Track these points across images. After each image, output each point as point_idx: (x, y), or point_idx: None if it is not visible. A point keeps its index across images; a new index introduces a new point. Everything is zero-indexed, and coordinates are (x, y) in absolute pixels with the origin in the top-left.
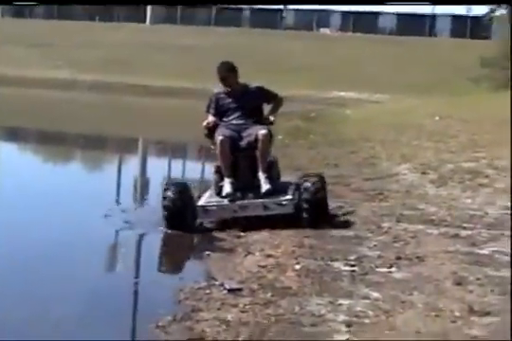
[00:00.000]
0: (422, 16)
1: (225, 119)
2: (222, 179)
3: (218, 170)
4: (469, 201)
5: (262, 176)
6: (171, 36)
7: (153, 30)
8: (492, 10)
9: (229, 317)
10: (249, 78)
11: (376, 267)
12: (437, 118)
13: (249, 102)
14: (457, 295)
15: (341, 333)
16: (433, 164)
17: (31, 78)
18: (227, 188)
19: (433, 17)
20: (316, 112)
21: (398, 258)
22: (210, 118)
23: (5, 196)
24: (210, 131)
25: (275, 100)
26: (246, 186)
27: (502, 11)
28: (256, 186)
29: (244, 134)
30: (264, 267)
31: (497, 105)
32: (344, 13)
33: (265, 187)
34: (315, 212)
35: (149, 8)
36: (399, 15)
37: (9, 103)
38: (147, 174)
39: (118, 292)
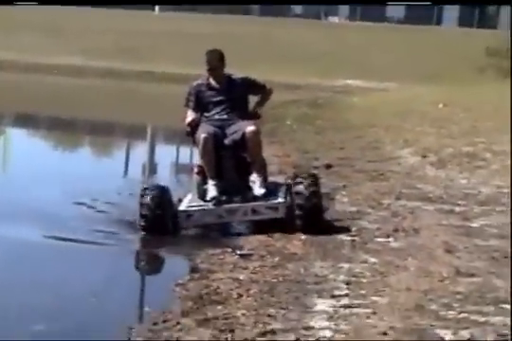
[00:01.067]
0: (429, 5)
1: (206, 115)
2: (204, 181)
3: (200, 171)
4: (465, 181)
5: (256, 178)
6: (178, 24)
7: (161, 18)
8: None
9: (241, 277)
10: (258, 66)
11: (375, 237)
12: (441, 106)
13: (234, 95)
14: (446, 260)
15: (341, 290)
16: (434, 148)
17: (44, 64)
18: (211, 190)
19: (441, 6)
20: (323, 99)
21: (396, 230)
22: (193, 115)
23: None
24: (192, 128)
25: (263, 92)
26: (231, 188)
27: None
28: (242, 188)
29: (228, 131)
30: (271, 237)
31: (500, 94)
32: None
33: (259, 190)
34: (309, 219)
35: None
36: (407, 6)
37: (22, 89)
38: (156, 160)
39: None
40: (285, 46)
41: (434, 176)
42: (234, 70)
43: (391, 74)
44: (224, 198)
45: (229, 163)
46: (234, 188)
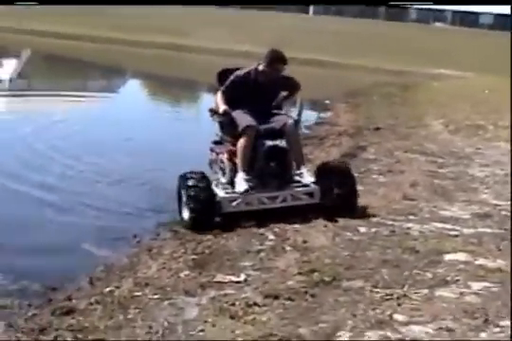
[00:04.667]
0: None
1: (240, 104)
2: (235, 169)
3: (231, 158)
4: (460, 143)
5: (304, 171)
6: (325, 23)
7: (313, 19)
8: None
9: None
10: (380, 56)
11: (372, 175)
12: (486, 91)
13: (273, 90)
14: (405, 191)
15: None
16: (458, 120)
17: (223, 49)
18: (242, 184)
19: None
20: (414, 83)
21: (389, 171)
22: (225, 106)
23: None
24: (226, 116)
25: (294, 89)
26: (264, 176)
27: None
28: (274, 176)
29: (265, 124)
30: None
31: None
32: (454, 12)
33: (309, 179)
34: (343, 205)
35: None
36: (496, 15)
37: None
38: None
39: None
40: (401, 44)
41: (442, 139)
42: (373, 59)
43: (474, 66)
44: (259, 186)
45: (263, 151)
46: (267, 175)
